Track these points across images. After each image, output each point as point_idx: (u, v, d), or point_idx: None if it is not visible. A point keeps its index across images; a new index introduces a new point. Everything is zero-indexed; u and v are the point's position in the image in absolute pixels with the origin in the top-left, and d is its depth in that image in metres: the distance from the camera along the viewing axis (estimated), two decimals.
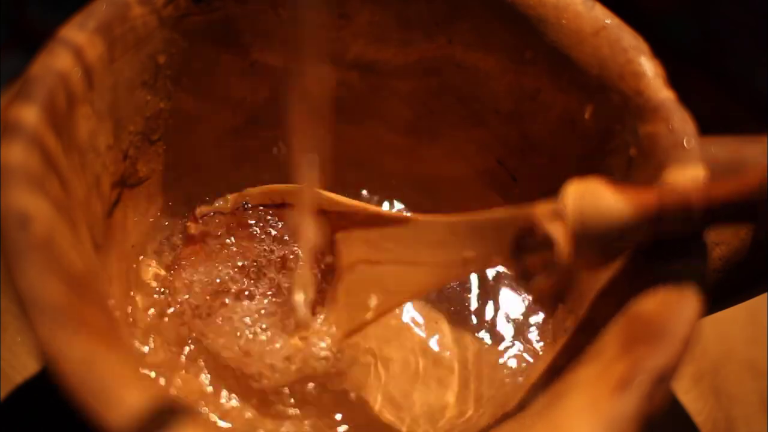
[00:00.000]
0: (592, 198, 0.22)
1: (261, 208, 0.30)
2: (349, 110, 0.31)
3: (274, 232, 0.30)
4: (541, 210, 0.22)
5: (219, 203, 0.30)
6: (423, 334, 0.30)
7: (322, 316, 0.28)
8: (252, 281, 0.29)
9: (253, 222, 0.30)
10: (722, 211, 0.21)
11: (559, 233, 0.22)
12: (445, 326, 0.30)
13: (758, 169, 0.20)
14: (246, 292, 0.29)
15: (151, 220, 0.29)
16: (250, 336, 0.27)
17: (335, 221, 0.28)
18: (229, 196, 0.30)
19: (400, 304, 0.27)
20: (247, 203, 0.30)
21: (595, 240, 0.22)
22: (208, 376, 0.27)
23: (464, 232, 0.25)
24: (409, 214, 0.27)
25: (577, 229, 0.22)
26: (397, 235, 0.26)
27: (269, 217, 0.30)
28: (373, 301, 0.26)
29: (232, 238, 0.30)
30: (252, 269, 0.29)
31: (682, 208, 0.21)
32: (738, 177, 0.20)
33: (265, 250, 0.29)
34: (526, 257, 0.23)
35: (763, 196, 0.20)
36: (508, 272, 0.31)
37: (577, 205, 0.22)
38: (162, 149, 0.29)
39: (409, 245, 0.26)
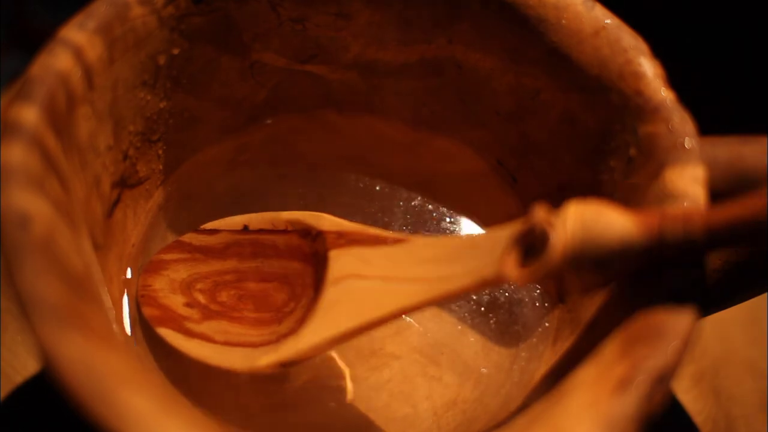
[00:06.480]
0: (594, 216, 0.21)
1: (262, 231, 0.29)
2: (349, 109, 0.31)
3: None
4: (540, 211, 0.22)
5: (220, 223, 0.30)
6: (423, 333, 0.30)
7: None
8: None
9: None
10: (725, 236, 0.20)
11: (556, 234, 0.21)
12: (445, 326, 0.30)
13: (761, 192, 0.20)
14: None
15: (150, 220, 0.29)
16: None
17: (333, 240, 0.27)
18: (236, 218, 0.30)
19: (382, 321, 0.25)
20: (246, 227, 0.30)
21: (594, 259, 0.21)
22: None
23: (458, 248, 0.24)
24: (408, 235, 0.27)
25: (576, 248, 0.21)
26: (392, 254, 0.26)
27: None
28: (353, 315, 0.25)
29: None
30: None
31: (684, 231, 0.21)
32: (741, 201, 0.20)
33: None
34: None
35: (764, 221, 0.20)
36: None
37: (578, 224, 0.21)
38: (162, 149, 0.29)
39: (401, 262, 0.25)
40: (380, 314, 0.25)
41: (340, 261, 0.27)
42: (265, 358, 0.26)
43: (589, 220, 0.21)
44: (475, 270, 0.23)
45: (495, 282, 0.23)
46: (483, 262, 0.23)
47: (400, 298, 0.25)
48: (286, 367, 0.26)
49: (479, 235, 0.24)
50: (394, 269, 0.25)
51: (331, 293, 0.26)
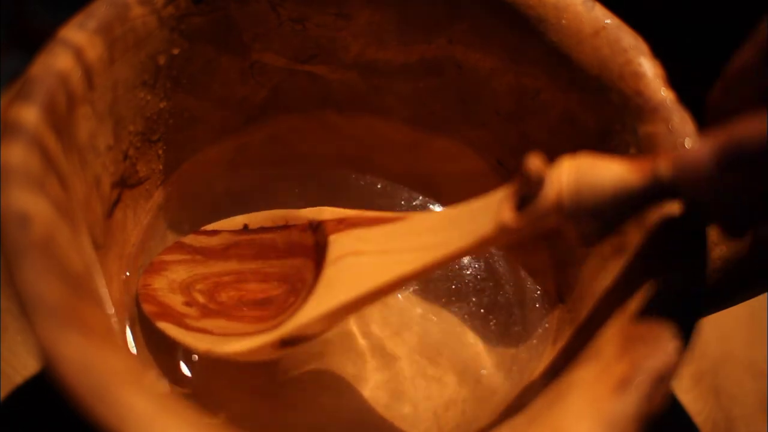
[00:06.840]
0: (589, 165, 0.21)
1: (262, 229, 0.29)
2: (349, 109, 0.31)
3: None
4: (535, 160, 0.22)
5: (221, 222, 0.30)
6: (423, 334, 0.30)
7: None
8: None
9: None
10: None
11: (550, 178, 0.21)
12: (444, 326, 0.30)
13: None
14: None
15: (150, 220, 0.29)
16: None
17: (333, 227, 0.27)
18: (237, 219, 0.30)
19: (382, 291, 0.25)
20: (246, 226, 0.30)
21: (591, 203, 0.21)
22: None
23: (455, 216, 0.24)
24: (406, 213, 0.27)
25: (572, 191, 0.21)
26: (390, 231, 0.26)
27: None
28: (352, 287, 0.25)
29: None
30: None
31: (674, 168, 0.20)
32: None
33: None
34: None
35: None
36: (507, 266, 0.31)
37: (573, 169, 0.21)
38: (162, 149, 0.29)
39: (400, 236, 0.25)
40: (379, 283, 0.25)
41: (339, 242, 0.27)
42: (266, 336, 0.26)
43: (584, 167, 0.21)
44: (472, 231, 0.23)
45: (492, 238, 0.23)
46: (479, 223, 0.23)
47: (399, 267, 0.24)
48: (288, 344, 0.26)
49: (475, 200, 0.24)
50: (393, 243, 0.25)
51: (330, 272, 0.26)
